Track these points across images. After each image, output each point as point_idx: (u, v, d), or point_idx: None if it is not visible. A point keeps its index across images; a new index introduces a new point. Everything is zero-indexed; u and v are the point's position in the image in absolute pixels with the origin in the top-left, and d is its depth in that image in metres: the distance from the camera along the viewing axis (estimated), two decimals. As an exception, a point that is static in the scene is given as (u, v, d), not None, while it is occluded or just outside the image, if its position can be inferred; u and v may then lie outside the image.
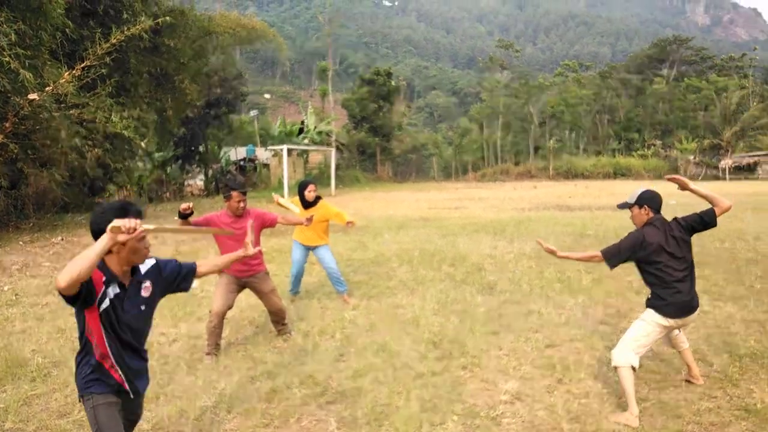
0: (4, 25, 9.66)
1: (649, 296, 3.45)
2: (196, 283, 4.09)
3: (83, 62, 11.87)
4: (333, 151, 34.04)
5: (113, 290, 2.15)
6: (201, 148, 27.45)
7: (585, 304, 5.80)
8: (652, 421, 3.20)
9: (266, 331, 5.09)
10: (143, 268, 2.31)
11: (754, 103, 53.98)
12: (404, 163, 57.76)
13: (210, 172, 28.19)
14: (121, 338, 2.21)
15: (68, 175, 12.43)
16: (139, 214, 2.09)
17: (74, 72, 11.60)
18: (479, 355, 4.31)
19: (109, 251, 2.09)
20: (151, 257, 2.37)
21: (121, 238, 1.91)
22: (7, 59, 9.59)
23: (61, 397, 3.71)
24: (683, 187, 3.39)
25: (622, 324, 5.05)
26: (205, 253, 9.79)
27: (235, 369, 4.15)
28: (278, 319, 4.86)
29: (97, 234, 2.01)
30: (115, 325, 2.17)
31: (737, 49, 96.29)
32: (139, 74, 15.55)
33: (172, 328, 5.33)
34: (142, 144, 15.05)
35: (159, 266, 2.40)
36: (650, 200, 3.45)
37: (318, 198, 5.95)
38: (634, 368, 3.28)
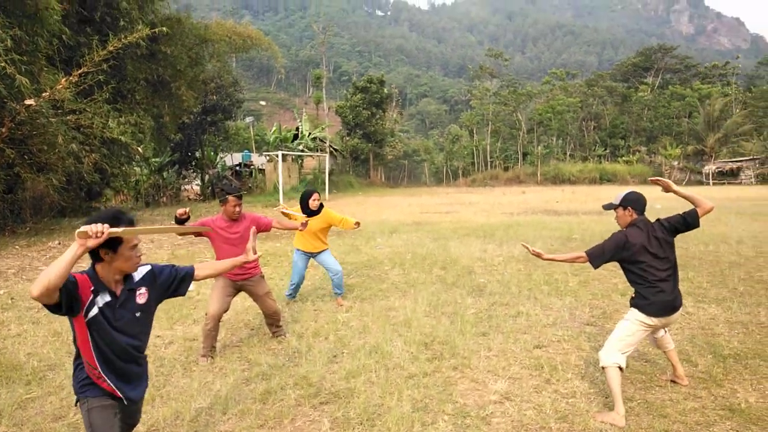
0: (0, 31, 9.69)
1: (633, 296, 3.54)
2: (192, 286, 4.13)
3: (80, 69, 11.93)
4: (327, 157, 34.19)
5: (103, 299, 2.14)
6: (197, 154, 27.49)
7: (572, 306, 5.92)
8: (638, 420, 3.27)
9: (261, 333, 5.14)
10: (137, 275, 2.31)
11: (737, 110, 54.90)
12: (396, 168, 58.04)
13: (206, 177, 28.19)
14: (114, 346, 2.19)
15: (65, 180, 12.41)
16: (131, 223, 2.11)
17: (71, 78, 11.66)
18: (469, 356, 4.39)
19: (101, 260, 2.13)
20: (146, 263, 2.39)
21: (91, 243, 1.89)
22: (3, 65, 9.63)
23: (56, 400, 3.73)
24: (666, 189, 3.48)
25: (608, 325, 5.17)
26: (201, 257, 9.83)
27: (230, 371, 4.20)
28: (273, 321, 4.92)
29: None
30: (106, 334, 2.16)
31: (720, 58, 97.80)
32: (136, 81, 15.60)
33: (168, 330, 5.37)
34: (139, 149, 15.03)
35: (154, 272, 2.40)
36: (634, 202, 3.53)
37: (321, 206, 6.00)
38: (621, 368, 3.35)
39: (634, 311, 3.46)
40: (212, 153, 29.41)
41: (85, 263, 2.19)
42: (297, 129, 39.52)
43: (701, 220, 3.47)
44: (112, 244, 2.09)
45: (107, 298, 2.16)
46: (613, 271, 7.51)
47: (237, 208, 4.54)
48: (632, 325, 3.44)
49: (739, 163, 49.48)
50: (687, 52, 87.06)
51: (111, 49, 12.25)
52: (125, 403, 2.30)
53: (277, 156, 26.89)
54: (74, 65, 12.40)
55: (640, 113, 59.99)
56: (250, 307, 5.91)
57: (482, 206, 22.63)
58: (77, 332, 2.16)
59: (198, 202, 24.93)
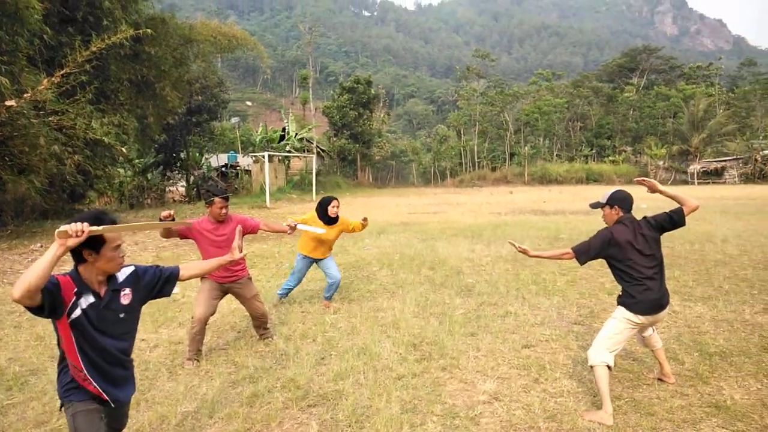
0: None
1: (620, 294, 3.56)
2: (177, 288, 4.07)
3: (62, 69, 11.75)
4: (314, 158, 34.13)
5: (86, 300, 2.12)
6: (182, 155, 27.25)
7: (559, 305, 5.94)
8: (625, 418, 3.28)
9: (248, 336, 5.09)
10: (121, 276, 2.29)
11: (721, 111, 55.72)
12: (384, 169, 58.11)
13: (191, 178, 27.95)
14: (99, 348, 2.17)
15: (47, 182, 12.23)
16: (113, 224, 2.08)
17: (53, 79, 11.48)
18: (458, 356, 4.38)
19: (84, 261, 2.10)
20: (129, 264, 2.37)
21: (71, 242, 1.87)
22: (-18, 65, 9.45)
23: (38, 405, 3.66)
24: (652, 189, 3.51)
25: (595, 324, 5.20)
26: (186, 259, 9.73)
27: (216, 374, 4.15)
28: (260, 323, 4.87)
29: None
30: (90, 335, 2.13)
31: (704, 58, 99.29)
32: (119, 81, 15.41)
33: (153, 333, 5.29)
34: (123, 150, 14.86)
35: (138, 273, 2.37)
36: (621, 200, 3.56)
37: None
38: (609, 367, 3.36)
39: (622, 309, 3.48)
40: (197, 154, 29.18)
41: (70, 266, 2.14)
42: (283, 129, 39.33)
43: (687, 219, 3.50)
44: (95, 244, 2.07)
45: (91, 299, 2.13)
46: (599, 270, 7.56)
47: (223, 210, 4.48)
48: (619, 323, 3.46)
49: (723, 163, 50.21)
50: (671, 53, 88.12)
51: (94, 49, 12.10)
52: (112, 406, 2.27)
53: (263, 157, 26.75)
54: (56, 65, 12.22)
55: (625, 113, 60.69)
56: (236, 309, 5.85)
57: (470, 206, 22.70)
58: (61, 335, 2.13)
59: (183, 203, 24.72)
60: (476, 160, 59.32)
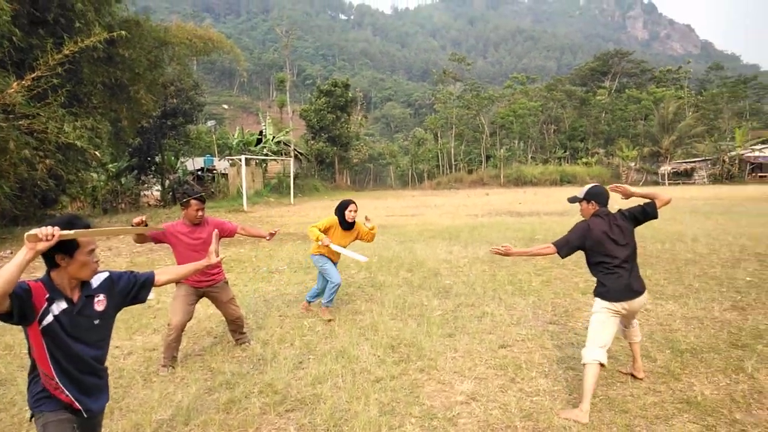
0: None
1: (596, 286, 3.65)
2: (152, 294, 4.01)
3: (33, 72, 11.49)
4: (292, 161, 33.98)
5: (58, 306, 2.08)
6: (157, 159, 26.83)
7: (535, 305, 6.02)
8: (600, 416, 3.33)
9: (225, 341, 5.04)
10: (95, 281, 2.25)
11: (690, 113, 57.20)
12: (362, 171, 58.19)
13: (166, 182, 27.53)
14: (71, 356, 2.12)
15: (18, 187, 11.92)
16: (86, 228, 2.05)
17: (24, 82, 11.21)
18: (436, 357, 4.40)
19: (57, 266, 2.07)
20: (104, 270, 2.33)
21: (41, 246, 1.83)
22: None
23: (6, 417, 3.56)
24: (626, 194, 3.63)
25: (570, 323, 5.28)
26: (161, 264, 9.59)
27: (192, 380, 4.10)
28: (237, 328, 4.82)
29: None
30: (62, 342, 2.09)
31: (673, 62, 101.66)
32: (92, 84, 15.12)
33: (127, 340, 5.20)
34: (97, 154, 14.57)
35: (112, 279, 2.34)
36: (597, 195, 3.72)
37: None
38: (602, 364, 3.41)
39: (598, 300, 3.58)
40: (173, 157, 28.78)
41: (42, 273, 2.10)
42: (261, 133, 39.06)
43: (660, 215, 3.63)
44: (68, 248, 2.04)
45: (63, 305, 2.09)
46: (573, 270, 7.69)
47: (200, 212, 4.41)
48: (600, 314, 3.54)
49: (692, 164, 51.53)
50: (642, 56, 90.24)
51: (67, 52, 11.86)
52: (84, 416, 2.22)
53: (240, 160, 26.53)
54: (27, 68, 11.94)
55: (598, 116, 61.91)
56: (213, 314, 5.79)
57: (447, 208, 22.86)
58: (32, 342, 2.08)
59: (158, 207, 24.33)
60: (453, 162, 59.81)
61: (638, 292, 3.57)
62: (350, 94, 47.88)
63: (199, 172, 31.78)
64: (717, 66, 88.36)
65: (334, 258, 5.79)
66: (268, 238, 4.89)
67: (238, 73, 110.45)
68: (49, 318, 2.05)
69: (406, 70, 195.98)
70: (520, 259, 8.73)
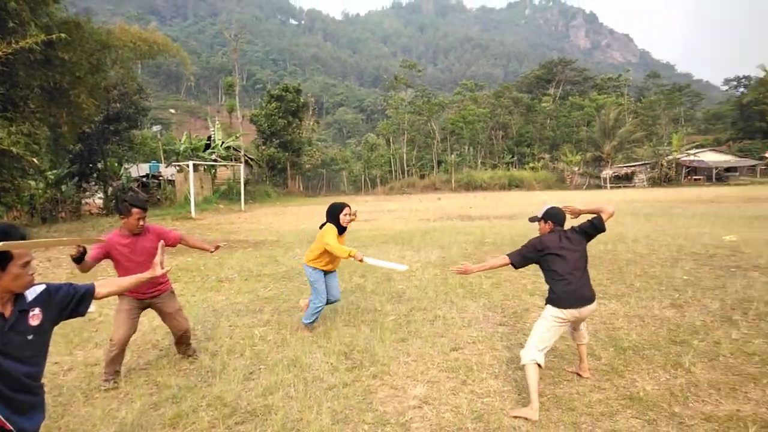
0: None
1: (548, 293, 3.77)
2: (93, 306, 3.83)
3: (-38, 75, 10.81)
4: (242, 167, 33.36)
5: None
6: (99, 165, 25.70)
7: (485, 307, 6.13)
8: (548, 414, 3.42)
9: (171, 354, 4.86)
10: (30, 294, 2.14)
11: (629, 119, 59.98)
12: (315, 177, 57.82)
13: (110, 190, 26.42)
14: (1, 373, 2.00)
15: (-54, 197, 11.16)
16: (22, 239, 1.97)
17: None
18: (389, 362, 4.40)
19: None
20: (40, 283, 2.21)
21: None
22: None
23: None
24: (575, 213, 3.98)
25: (519, 324, 5.41)
26: (103, 275, 9.17)
27: (136, 396, 3.93)
28: (183, 340, 4.66)
29: None
30: None
31: (614, 70, 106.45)
32: (29, 88, 14.37)
33: (67, 356, 4.94)
34: (35, 161, 13.83)
35: (49, 291, 2.22)
36: (554, 216, 3.97)
37: None
38: (539, 365, 3.52)
39: (549, 307, 3.68)
40: (116, 164, 27.71)
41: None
42: (209, 138, 38.17)
43: (605, 223, 3.82)
44: (1, 260, 1.94)
45: None
46: (522, 272, 7.87)
47: (141, 222, 4.22)
48: (547, 321, 3.64)
49: (632, 168, 54.00)
50: (584, 65, 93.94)
51: (0, 54, 11.23)
52: None
53: (188, 166, 25.82)
54: (-47, 70, 11.24)
55: (543, 123, 64.03)
56: (158, 326, 5.59)
57: (400, 213, 23.02)
58: None
59: (101, 216, 23.34)
60: (405, 167, 60.37)
61: (588, 300, 3.70)
62: (302, 99, 47.56)
63: (144, 179, 30.73)
64: (654, 74, 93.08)
65: (329, 268, 5.36)
66: (212, 250, 4.76)
67: (185, 77, 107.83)
68: None
69: (358, 76, 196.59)
70: (471, 262, 8.87)
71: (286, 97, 44.61)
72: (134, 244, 4.24)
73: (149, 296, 4.36)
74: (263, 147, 45.36)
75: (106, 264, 10.14)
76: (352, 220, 5.38)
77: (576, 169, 54.19)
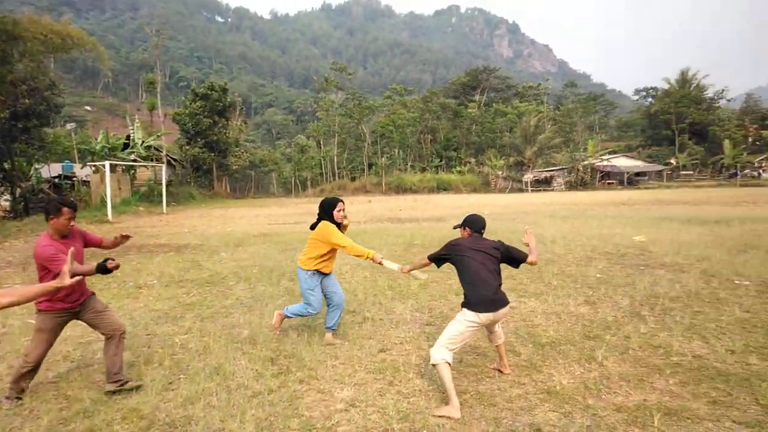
0: None
1: (464, 297, 3.84)
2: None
3: None
4: (164, 167, 31.95)
5: None
6: (6, 165, 23.67)
7: (413, 308, 6.21)
8: (471, 411, 3.50)
9: (83, 366, 4.55)
10: None
11: (549, 126, 63.14)
12: (243, 179, 56.40)
13: (18, 191, 24.39)
14: None
15: None
16: None
17: None
18: (316, 366, 4.36)
19: None
20: None
21: None
22: None
23: None
24: (526, 242, 4.26)
25: (445, 324, 5.47)
26: (8, 283, 8.46)
27: (44, 411, 3.64)
28: (122, 339, 4.15)
29: None
30: None
31: (534, 79, 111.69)
32: None
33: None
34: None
35: None
36: (471, 223, 4.17)
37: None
38: (448, 363, 3.58)
39: (464, 311, 3.75)
40: (25, 164, 25.69)
41: None
42: (128, 137, 36.22)
43: (523, 220, 4.02)
44: None
45: None
46: (448, 273, 8.04)
47: (72, 222, 3.90)
48: (460, 324, 3.70)
49: (551, 173, 56.89)
50: (507, 73, 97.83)
51: None
52: None
53: (104, 166, 24.40)
54: None
55: (469, 128, 66.06)
56: (69, 337, 5.22)
57: (330, 216, 22.84)
58: None
59: (7, 219, 21.54)
60: (336, 170, 60.27)
61: (503, 303, 3.80)
62: (228, 99, 46.31)
63: (57, 180, 28.69)
64: (571, 84, 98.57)
65: (326, 269, 5.01)
66: (118, 238, 4.33)
67: (102, 73, 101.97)
68: None
69: (287, 77, 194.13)
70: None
71: (212, 95, 43.30)
72: (67, 248, 3.94)
73: (76, 305, 4.01)
74: (187, 147, 43.73)
75: (13, 272, 9.41)
76: (344, 218, 5.07)
77: (500, 173, 56.35)
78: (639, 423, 3.25)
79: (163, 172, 30.87)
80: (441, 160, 63.18)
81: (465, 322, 3.70)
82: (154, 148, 37.47)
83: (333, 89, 64.89)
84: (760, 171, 62.25)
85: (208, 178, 45.56)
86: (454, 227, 4.38)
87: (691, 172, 64.37)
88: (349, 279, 8.09)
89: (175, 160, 43.37)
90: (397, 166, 60.09)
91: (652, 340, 4.82)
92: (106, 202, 22.71)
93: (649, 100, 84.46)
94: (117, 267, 3.71)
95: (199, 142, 43.20)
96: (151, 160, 35.33)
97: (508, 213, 20.96)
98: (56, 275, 3.63)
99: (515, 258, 4.03)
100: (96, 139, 35.29)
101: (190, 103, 43.78)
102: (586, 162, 55.50)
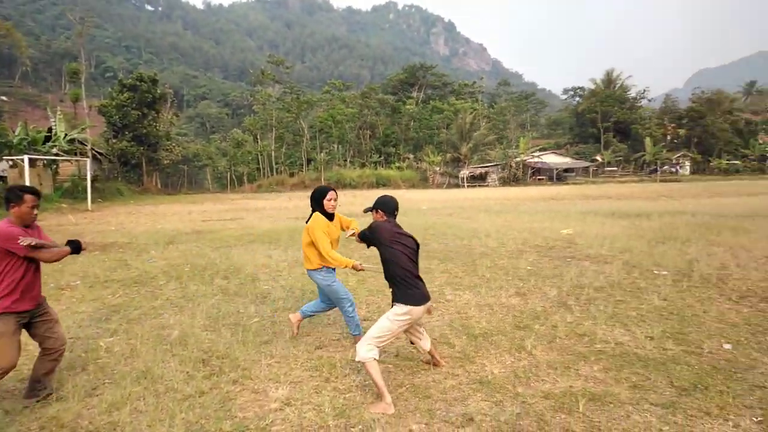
0: None
1: (392, 293, 3.83)
2: None
3: None
4: (89, 162, 30.23)
5: None
6: None
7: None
8: (406, 404, 3.54)
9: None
10: None
11: (483, 124, 64.83)
12: (175, 174, 54.34)
13: None
14: None
15: None
16: None
17: None
18: (250, 366, 4.27)
19: None
20: None
21: None
22: None
23: None
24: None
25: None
26: None
27: (-54, 427, 3.37)
28: (59, 355, 3.89)
29: None
30: None
31: (470, 77, 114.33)
32: None
33: None
34: None
35: None
36: (383, 204, 4.12)
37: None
38: (376, 360, 3.58)
39: (396, 307, 3.74)
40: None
41: None
42: (50, 130, 33.99)
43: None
44: None
45: None
46: (387, 268, 8.11)
47: (35, 211, 3.67)
48: (392, 322, 3.70)
49: (486, 169, 58.52)
50: (444, 70, 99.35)
51: None
52: None
53: (22, 161, 22.80)
54: None
55: (407, 124, 66.76)
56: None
57: (268, 212, 22.51)
58: None
59: None
60: (274, 165, 59.23)
61: (428, 297, 3.87)
62: (159, 90, 44.38)
63: (-34, 175, 26.57)
64: (505, 82, 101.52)
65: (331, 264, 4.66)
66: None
67: (20, 61, 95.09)
68: None
69: (222, 69, 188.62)
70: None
71: (141, 87, 41.38)
72: (31, 236, 3.65)
73: (37, 304, 3.74)
74: (114, 140, 41.59)
75: None
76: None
77: (437, 169, 57.31)
78: (565, 409, 3.40)
79: (88, 167, 29.22)
80: (380, 156, 63.45)
81: (397, 318, 3.70)
82: (79, 141, 35.40)
83: (270, 82, 63.62)
84: (678, 167, 66.94)
85: (137, 173, 43.56)
86: (365, 210, 4.32)
87: (616, 169, 68.13)
88: (286, 276, 7.98)
89: (101, 154, 41.16)
90: (336, 161, 59.82)
91: (578, 328, 5.06)
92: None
93: (577, 99, 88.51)
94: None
95: (127, 136, 41.20)
96: (75, 154, 33.37)
97: (446, 208, 21.33)
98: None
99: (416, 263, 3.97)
100: (14, 132, 32.89)
101: (117, 95, 41.65)
102: (518, 159, 57.49)
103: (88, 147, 36.11)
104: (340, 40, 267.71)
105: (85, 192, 27.53)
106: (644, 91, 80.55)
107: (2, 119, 52.33)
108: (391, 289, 3.85)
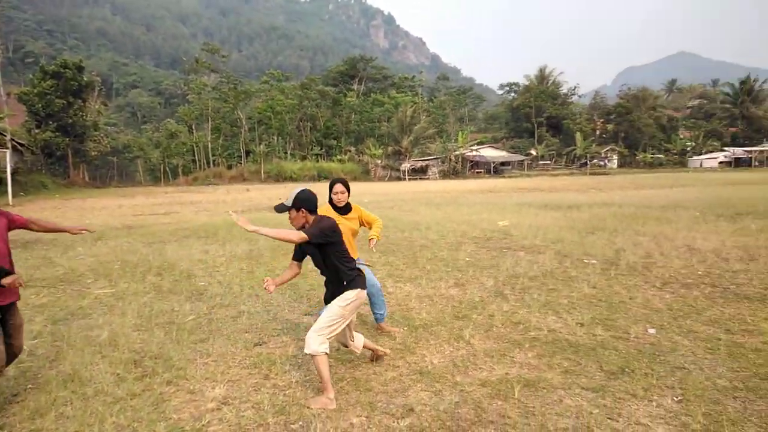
0: None
1: (344, 282, 3.65)
2: None
3: None
4: (8, 153, 28.28)
5: None
6: None
7: (291, 299, 6.14)
8: (347, 398, 3.53)
9: None
10: None
11: (423, 117, 65.68)
12: (104, 166, 51.84)
13: None
14: None
15: None
16: None
17: None
18: (185, 366, 4.13)
19: None
20: None
21: None
22: None
23: None
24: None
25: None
26: None
27: None
28: (11, 360, 3.64)
29: None
30: None
31: (409, 71, 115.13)
32: None
33: None
34: None
35: None
36: (306, 201, 3.57)
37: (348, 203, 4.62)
38: (326, 354, 3.52)
39: (351, 291, 3.63)
40: None
41: None
42: (-40, 118, 31.52)
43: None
44: None
45: None
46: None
47: None
48: (343, 309, 3.61)
49: (427, 162, 59.28)
50: (384, 63, 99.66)
51: None
52: None
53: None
54: None
55: (348, 117, 66.59)
56: None
57: (205, 205, 21.87)
58: None
59: None
60: (211, 157, 57.53)
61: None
62: (85, 78, 42.02)
63: None
64: (444, 77, 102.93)
65: (354, 253, 4.53)
66: (75, 233, 3.99)
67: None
68: None
69: (153, 56, 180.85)
70: (279, 254, 8.83)
71: (65, 74, 39.07)
72: None
73: (8, 302, 3.43)
74: (37, 131, 39.08)
75: None
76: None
77: (379, 162, 57.56)
78: (502, 395, 3.50)
79: (8, 159, 27.32)
80: (321, 149, 62.97)
81: (349, 302, 3.60)
82: (-5, 131, 33.00)
83: (205, 71, 61.64)
84: (606, 161, 70.46)
85: (62, 166, 41.16)
86: (278, 209, 3.70)
87: (549, 162, 70.92)
88: (223, 272, 7.78)
89: (22, 145, 38.56)
90: (276, 153, 58.78)
91: (513, 317, 5.23)
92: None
93: (512, 94, 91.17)
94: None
95: (50, 126, 38.80)
96: (-10, 145, 31.04)
97: (387, 201, 21.47)
98: None
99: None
100: None
101: (39, 82, 39.13)
102: (457, 152, 58.66)
103: (8, 137, 33.76)
104: (279, 30, 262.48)
105: (5, 186, 25.75)
106: (575, 87, 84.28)
107: None
108: (332, 280, 3.72)
